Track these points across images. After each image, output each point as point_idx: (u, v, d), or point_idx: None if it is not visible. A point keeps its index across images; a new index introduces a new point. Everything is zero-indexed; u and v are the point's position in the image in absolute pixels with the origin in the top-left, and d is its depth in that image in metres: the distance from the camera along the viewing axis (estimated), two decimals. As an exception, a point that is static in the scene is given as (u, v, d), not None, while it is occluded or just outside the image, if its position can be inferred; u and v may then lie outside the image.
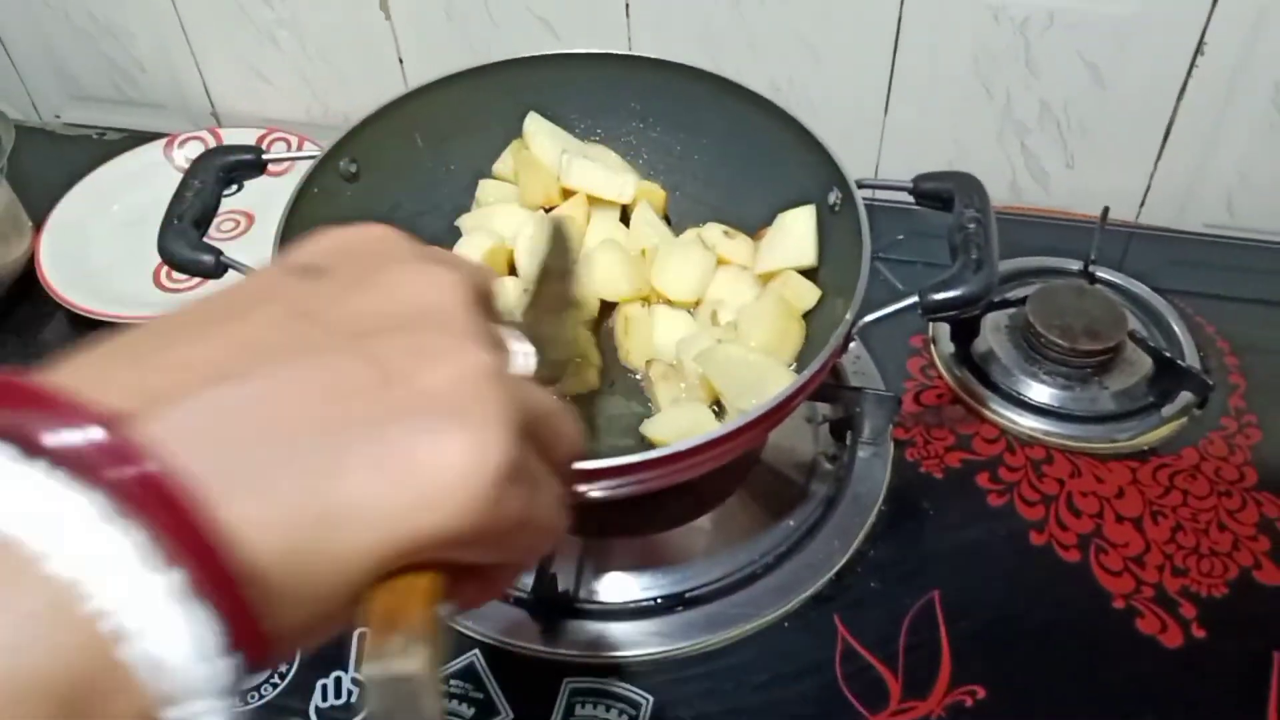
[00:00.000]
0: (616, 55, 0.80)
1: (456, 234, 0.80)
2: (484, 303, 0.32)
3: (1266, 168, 0.93)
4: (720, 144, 0.80)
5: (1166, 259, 0.92)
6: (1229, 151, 0.92)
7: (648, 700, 0.63)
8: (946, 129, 0.97)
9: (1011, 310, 0.84)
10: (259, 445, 0.24)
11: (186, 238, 0.66)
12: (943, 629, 0.66)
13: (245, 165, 0.72)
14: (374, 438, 0.25)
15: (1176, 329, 0.83)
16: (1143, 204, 0.98)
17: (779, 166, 0.76)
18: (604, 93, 0.81)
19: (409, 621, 0.25)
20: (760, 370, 0.65)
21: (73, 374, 0.24)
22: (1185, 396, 0.78)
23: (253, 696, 0.64)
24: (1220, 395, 0.79)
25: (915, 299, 0.61)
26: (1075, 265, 0.88)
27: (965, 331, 0.83)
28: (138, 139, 1.09)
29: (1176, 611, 0.66)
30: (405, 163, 0.78)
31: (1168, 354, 0.78)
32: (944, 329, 0.84)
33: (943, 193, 0.68)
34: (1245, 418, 0.78)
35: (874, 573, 0.69)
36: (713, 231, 0.78)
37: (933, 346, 0.84)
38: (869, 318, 0.61)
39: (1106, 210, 0.87)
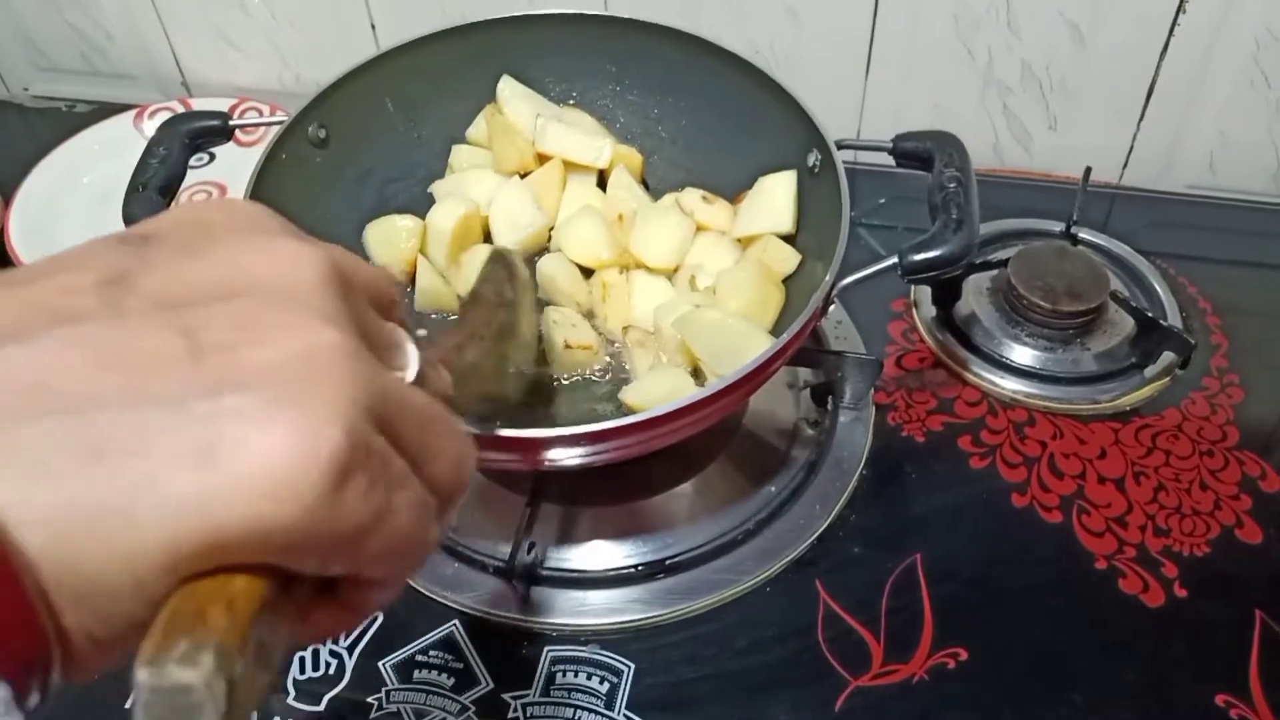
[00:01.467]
0: (592, 16, 0.78)
1: (430, 200, 0.78)
2: (350, 289, 0.28)
3: (1248, 127, 0.92)
4: (698, 107, 0.79)
5: (1149, 220, 0.91)
6: (1211, 111, 0.92)
7: (629, 667, 0.62)
8: (928, 91, 0.96)
9: (993, 272, 0.83)
10: (28, 417, 0.21)
11: (152, 205, 0.64)
12: (925, 592, 0.65)
13: (212, 132, 0.70)
14: (174, 416, 0.22)
15: (1159, 289, 0.83)
16: (1125, 165, 0.97)
17: (758, 129, 0.75)
18: (579, 55, 0.80)
19: (203, 626, 0.22)
20: (739, 335, 0.64)
21: None
22: (1167, 357, 0.77)
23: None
24: (1202, 355, 0.79)
25: (895, 260, 0.60)
26: (1057, 226, 0.87)
27: (947, 294, 0.83)
28: (107, 110, 1.07)
29: (1159, 571, 0.66)
30: (376, 128, 0.77)
31: (1150, 314, 0.77)
32: (925, 292, 0.84)
33: (922, 152, 0.67)
34: (1227, 377, 0.78)
35: (856, 536, 0.69)
36: (691, 196, 0.77)
37: (914, 310, 0.83)
38: (848, 280, 0.61)
39: (1089, 171, 0.87)
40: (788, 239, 0.72)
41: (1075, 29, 0.89)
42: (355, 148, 0.75)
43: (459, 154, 0.81)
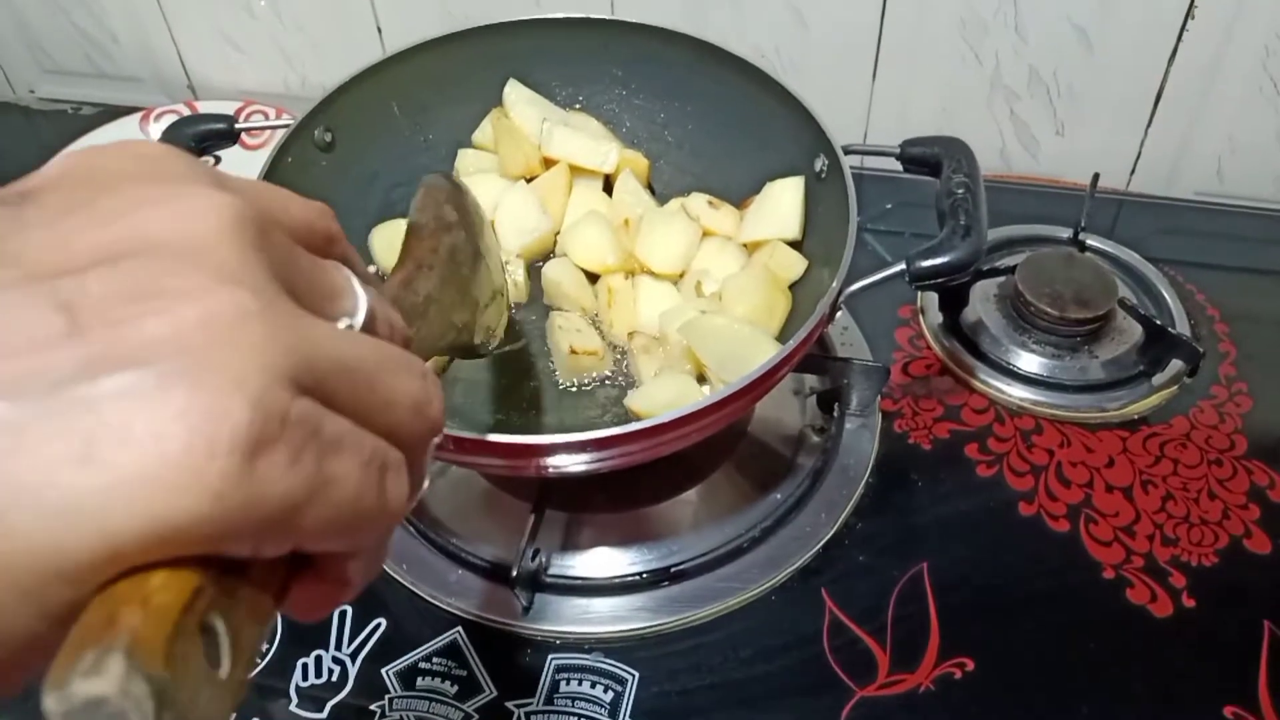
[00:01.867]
0: (598, 20, 0.78)
1: (436, 205, 0.78)
2: (269, 234, 0.24)
3: (1256, 134, 0.92)
4: (704, 112, 0.79)
5: (1157, 227, 0.91)
6: (1219, 118, 0.91)
7: (633, 676, 0.62)
8: (935, 97, 0.96)
9: (1000, 279, 0.83)
10: None
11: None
12: (931, 601, 0.65)
13: (217, 135, 0.70)
14: (50, 405, 0.19)
15: (1167, 297, 0.82)
16: (1133, 171, 0.97)
17: (764, 134, 0.74)
18: (586, 59, 0.80)
19: (112, 630, 0.19)
20: (745, 341, 0.64)
21: None
22: (1176, 365, 0.77)
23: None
24: (1210, 363, 0.78)
25: (902, 266, 0.60)
26: (1065, 233, 0.87)
27: (954, 301, 0.82)
28: (113, 113, 1.07)
29: (1167, 581, 0.65)
30: (382, 132, 0.77)
31: (1158, 322, 0.77)
32: (932, 299, 0.83)
33: (929, 158, 0.66)
34: (1236, 386, 0.77)
35: (862, 545, 0.68)
36: (697, 202, 0.76)
37: (921, 317, 0.83)
38: (855, 286, 0.60)
39: (1096, 177, 0.86)
40: (794, 245, 0.72)
41: (1083, 34, 0.88)
42: (361, 151, 0.75)
43: (465, 158, 0.80)
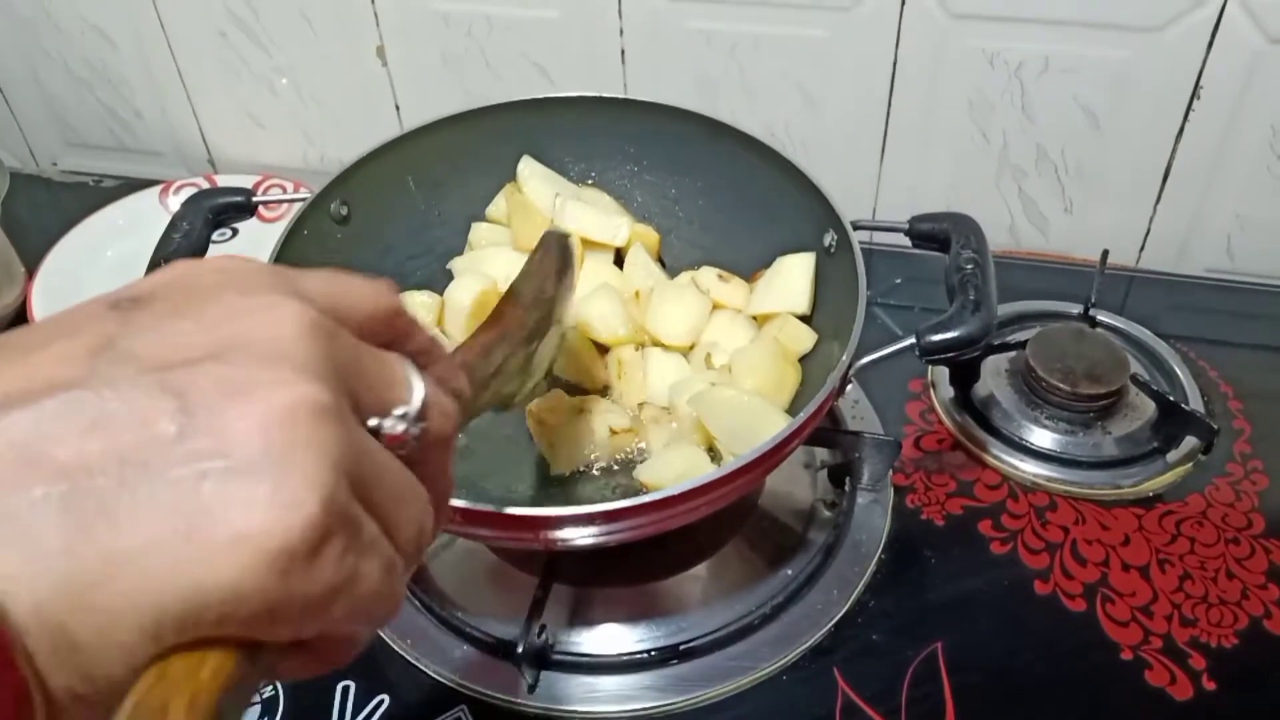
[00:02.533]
0: (610, 99, 0.79)
1: (448, 277, 0.79)
2: (337, 334, 0.28)
3: (1265, 212, 0.92)
4: (714, 187, 0.80)
5: (1167, 303, 0.91)
6: (1227, 196, 0.92)
7: (641, 756, 0.61)
8: (944, 175, 0.97)
9: (1011, 354, 0.83)
10: (20, 486, 0.22)
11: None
12: (946, 681, 0.63)
13: (234, 208, 0.71)
14: (161, 483, 0.23)
15: (1179, 373, 0.82)
16: (1142, 248, 0.97)
17: (773, 210, 0.75)
18: (598, 136, 0.81)
19: (175, 714, 0.22)
20: (755, 413, 0.64)
21: None
22: (1190, 442, 0.76)
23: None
24: (1225, 441, 0.78)
25: (913, 340, 0.60)
26: (1075, 309, 0.87)
27: (965, 375, 0.82)
28: (134, 186, 1.08)
29: (1186, 663, 0.64)
30: (397, 206, 0.78)
31: (1171, 398, 0.76)
32: (943, 373, 0.83)
33: (938, 233, 0.67)
34: (1251, 463, 0.76)
35: (875, 623, 0.67)
36: (707, 275, 0.77)
37: (932, 391, 0.83)
38: (866, 359, 0.60)
39: (1106, 253, 0.87)
40: (804, 319, 0.72)
41: (1090, 113, 0.89)
42: (376, 224, 0.76)
43: (478, 231, 0.81)
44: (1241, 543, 0.71)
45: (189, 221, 0.69)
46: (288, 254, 0.67)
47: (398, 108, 1.06)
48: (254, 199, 0.72)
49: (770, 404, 0.66)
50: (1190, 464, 0.76)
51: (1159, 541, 0.71)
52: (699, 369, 0.72)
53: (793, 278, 0.73)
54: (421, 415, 0.30)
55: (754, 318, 0.75)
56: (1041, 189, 0.96)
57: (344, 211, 0.73)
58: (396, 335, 0.31)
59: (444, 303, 0.76)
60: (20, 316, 0.93)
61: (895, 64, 0.91)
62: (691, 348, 0.75)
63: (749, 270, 0.77)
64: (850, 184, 0.99)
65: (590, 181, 0.83)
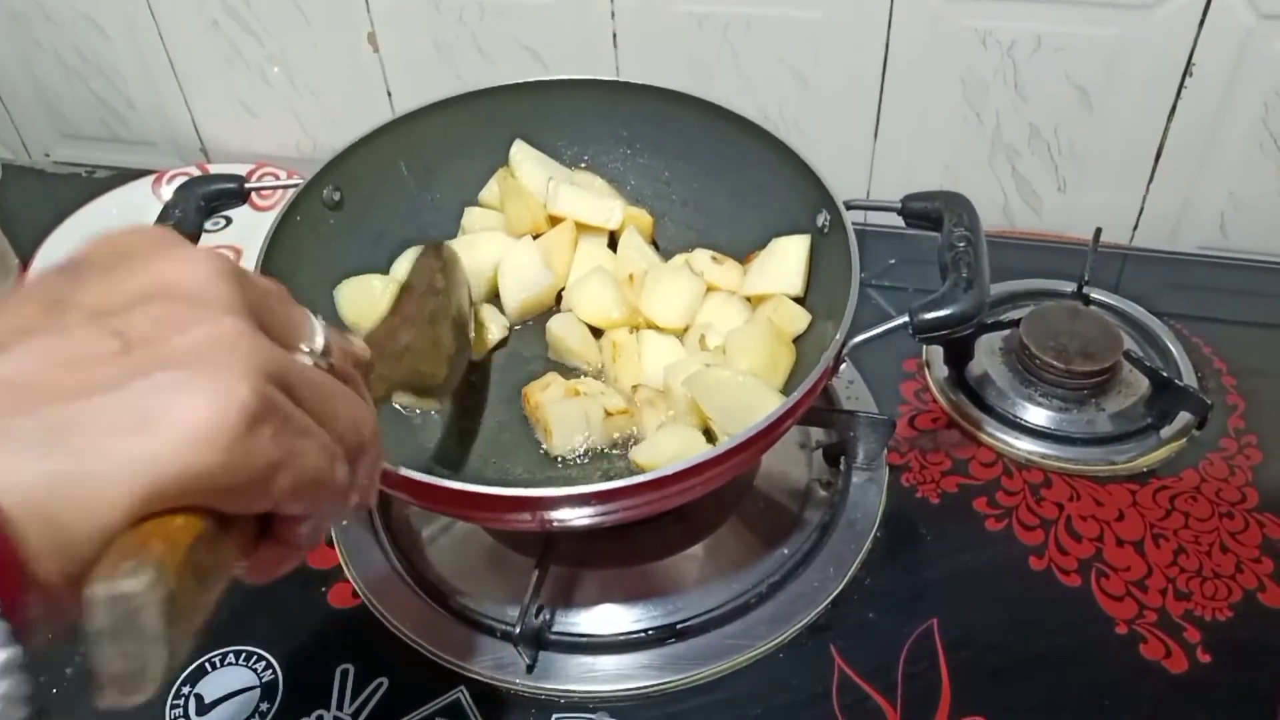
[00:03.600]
0: (603, 81, 0.79)
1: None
2: (245, 284, 0.34)
3: (1257, 189, 0.92)
4: (707, 170, 0.80)
5: (1161, 281, 0.91)
6: (1220, 173, 0.92)
7: (639, 735, 0.61)
8: (937, 155, 0.97)
9: (1005, 332, 0.83)
10: (4, 412, 0.27)
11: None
12: (942, 658, 0.64)
13: (227, 194, 0.71)
14: (117, 396, 0.28)
15: (1173, 350, 0.82)
16: (1136, 226, 0.97)
17: (766, 191, 0.75)
18: (591, 119, 0.81)
19: (145, 550, 0.27)
20: (749, 394, 0.64)
21: None
22: (1184, 417, 0.76)
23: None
24: (1219, 416, 0.78)
25: (906, 319, 0.60)
26: (1069, 287, 0.87)
27: (959, 354, 0.82)
28: (127, 176, 1.08)
29: (1181, 636, 0.64)
30: (390, 191, 0.78)
31: (1165, 374, 0.77)
32: (937, 352, 0.83)
33: (931, 212, 0.67)
34: (1245, 438, 0.77)
35: (870, 601, 0.67)
36: (701, 257, 0.77)
37: (926, 370, 0.83)
38: (859, 338, 0.60)
39: (1099, 232, 0.87)
40: (798, 300, 0.72)
41: (1082, 92, 0.89)
42: (369, 209, 0.76)
43: (471, 216, 0.81)
44: (1235, 517, 0.71)
45: (181, 209, 0.69)
46: (282, 238, 0.67)
47: (390, 95, 1.06)
48: (247, 185, 0.72)
49: (764, 384, 0.66)
50: (1184, 440, 0.76)
51: (1153, 517, 0.71)
52: (693, 351, 0.72)
53: (787, 259, 0.73)
54: (326, 351, 0.37)
55: (748, 299, 0.75)
56: (1035, 168, 0.96)
57: (336, 197, 0.73)
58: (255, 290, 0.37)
59: None
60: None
61: (888, 45, 0.91)
62: (686, 330, 0.75)
63: (743, 252, 0.77)
64: (844, 165, 0.99)
65: (583, 165, 0.83)
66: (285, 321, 0.36)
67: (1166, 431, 0.76)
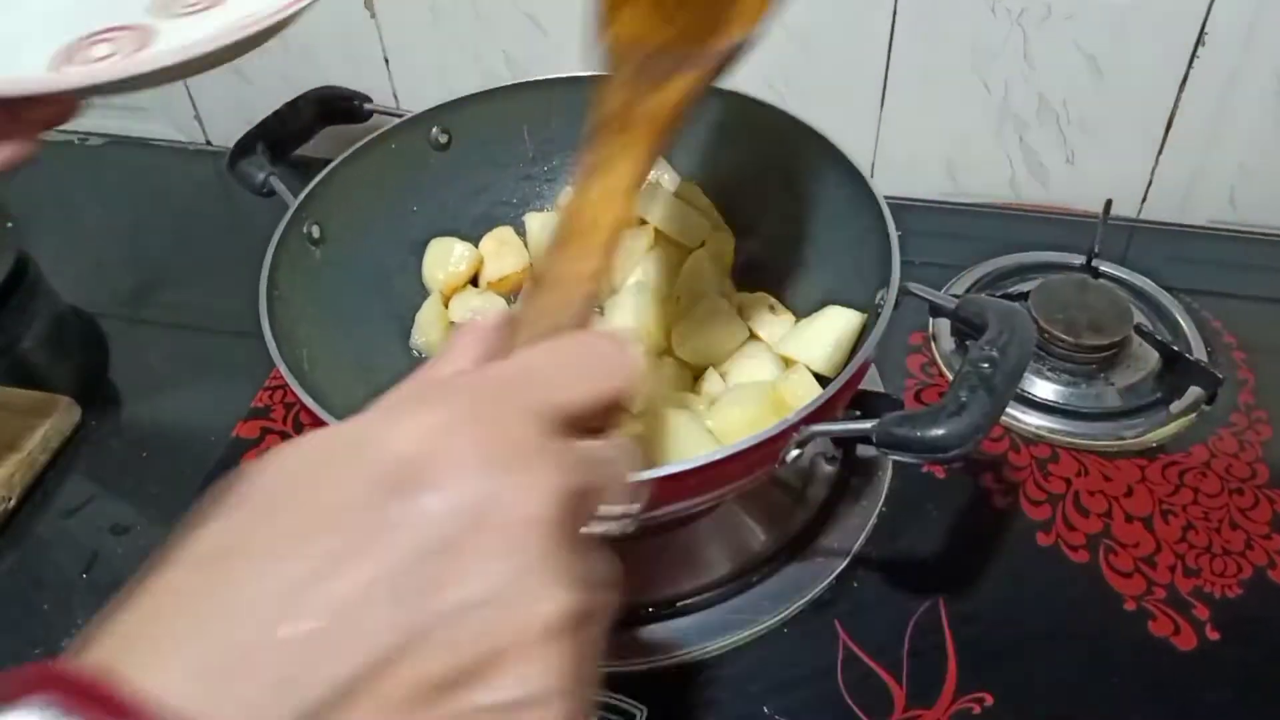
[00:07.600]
0: (753, 99, 0.76)
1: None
2: (578, 502, 0.29)
3: (1269, 162, 0.91)
4: (808, 211, 0.75)
5: (1170, 254, 0.90)
6: (1231, 145, 0.91)
7: (641, 711, 0.60)
8: (944, 124, 0.95)
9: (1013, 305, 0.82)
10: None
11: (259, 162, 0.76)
12: (948, 634, 0.63)
13: (349, 111, 0.83)
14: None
15: (1183, 324, 0.81)
16: (1144, 199, 0.96)
17: (850, 258, 0.70)
18: (717, 134, 0.79)
19: None
20: (682, 444, 0.61)
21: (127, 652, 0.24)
22: (1194, 392, 0.75)
23: None
24: (1229, 391, 0.77)
25: (875, 423, 0.53)
26: (1078, 260, 0.86)
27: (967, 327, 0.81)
28: (119, 143, 1.06)
29: (1190, 613, 0.64)
30: (502, 149, 0.80)
31: (1175, 348, 0.76)
32: (944, 326, 0.82)
33: (976, 321, 0.59)
34: (1255, 414, 0.76)
35: (876, 576, 0.67)
36: (759, 303, 0.73)
37: (933, 344, 0.82)
38: (815, 427, 0.54)
39: (1109, 204, 0.85)
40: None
41: (1092, 61, 0.88)
42: (478, 162, 0.79)
43: (567, 195, 0.80)
44: (1245, 493, 0.70)
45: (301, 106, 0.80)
46: (366, 164, 0.72)
47: (386, 60, 1.04)
48: (367, 106, 0.82)
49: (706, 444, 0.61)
50: (1194, 415, 0.75)
51: (1162, 492, 0.71)
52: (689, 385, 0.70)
53: (827, 332, 0.67)
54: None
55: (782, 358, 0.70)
56: (1043, 139, 0.94)
57: (444, 139, 0.77)
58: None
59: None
60: (9, 279, 0.92)
61: (895, 12, 0.89)
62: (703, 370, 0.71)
63: (805, 308, 0.72)
64: (850, 133, 0.97)
65: (694, 178, 0.80)
66: (605, 492, 0.32)
67: (1176, 406, 0.75)
